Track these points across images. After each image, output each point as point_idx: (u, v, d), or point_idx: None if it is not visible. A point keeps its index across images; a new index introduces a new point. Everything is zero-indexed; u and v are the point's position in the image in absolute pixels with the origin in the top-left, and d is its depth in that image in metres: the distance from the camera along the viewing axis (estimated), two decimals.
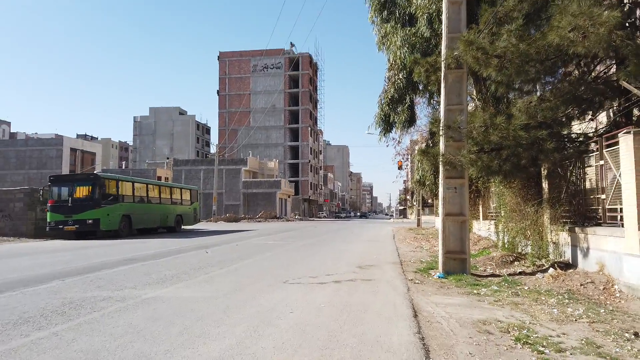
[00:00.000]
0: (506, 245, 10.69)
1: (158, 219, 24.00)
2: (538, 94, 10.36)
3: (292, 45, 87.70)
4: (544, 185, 10.12)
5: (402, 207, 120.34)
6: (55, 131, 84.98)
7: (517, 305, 6.01)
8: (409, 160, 29.83)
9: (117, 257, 10.67)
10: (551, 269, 7.97)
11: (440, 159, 8.69)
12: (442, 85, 9.11)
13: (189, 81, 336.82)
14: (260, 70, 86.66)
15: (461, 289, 7.18)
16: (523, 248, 10.39)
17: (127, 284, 6.61)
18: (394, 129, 14.57)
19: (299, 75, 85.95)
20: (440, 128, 8.73)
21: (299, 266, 9.24)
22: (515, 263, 9.76)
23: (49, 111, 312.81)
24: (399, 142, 27.20)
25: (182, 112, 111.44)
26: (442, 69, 9.11)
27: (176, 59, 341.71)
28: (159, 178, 65.35)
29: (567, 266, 8.60)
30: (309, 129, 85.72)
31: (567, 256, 8.92)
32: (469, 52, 8.22)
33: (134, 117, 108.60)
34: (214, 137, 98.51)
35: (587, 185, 8.77)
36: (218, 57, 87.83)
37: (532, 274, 8.61)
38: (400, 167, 32.88)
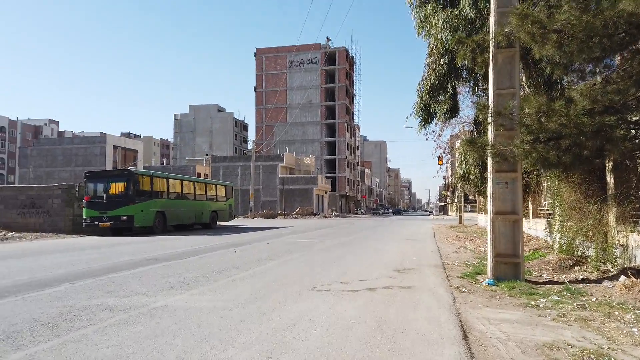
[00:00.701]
0: (563, 247, 9.51)
1: (193, 215, 23.83)
2: (599, 78, 9.10)
3: (328, 39, 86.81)
4: (609, 179, 8.89)
5: (442, 204, 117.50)
6: (101, 130, 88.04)
7: (586, 323, 5.00)
8: (450, 154, 28.31)
9: (142, 256, 10.24)
10: (622, 277, 6.83)
11: (489, 150, 7.67)
12: (491, 66, 8.08)
13: (227, 79, 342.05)
14: (297, 65, 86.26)
15: (516, 300, 6.20)
16: (584, 251, 9.19)
17: (139, 289, 6.04)
18: (435, 120, 13.49)
19: (335, 70, 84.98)
20: (489, 115, 7.71)
21: (330, 269, 8.46)
22: (576, 268, 8.61)
23: (95, 110, 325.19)
24: (439, 134, 25.62)
25: (220, 110, 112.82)
26: (491, 48, 8.07)
27: (214, 56, 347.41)
28: (199, 175, 66.12)
29: (639, 273, 7.42)
30: (346, 124, 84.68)
31: (639, 261, 7.71)
32: (522, 26, 7.16)
33: (174, 115, 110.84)
34: (252, 134, 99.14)
35: None
36: (255, 53, 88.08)
37: (598, 281, 7.47)
38: (440, 162, 31.44)
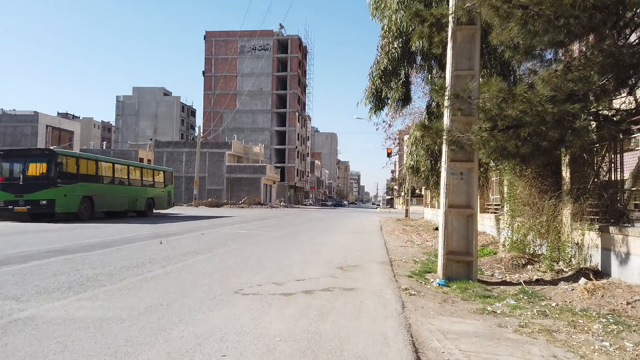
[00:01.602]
0: (515, 245, 9.00)
1: (126, 201, 21.97)
2: (561, 66, 8.57)
3: (281, 26, 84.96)
4: (564, 173, 8.41)
5: (388, 197, 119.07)
6: (35, 109, 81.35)
7: (552, 335, 4.30)
8: (399, 145, 27.82)
9: (45, 246, 8.75)
10: (583, 280, 6.27)
11: (445, 137, 6.91)
12: (450, 45, 7.29)
13: (175, 62, 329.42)
14: (248, 51, 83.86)
15: (470, 304, 5.45)
16: (536, 249, 8.72)
17: (13, 291, 4.74)
18: (386, 108, 12.73)
19: (288, 58, 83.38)
20: (446, 97, 6.93)
21: (265, 265, 7.43)
22: (528, 267, 8.08)
23: (31, 90, 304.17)
24: (389, 125, 24.89)
25: (166, 93, 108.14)
26: (450, 24, 7.29)
27: (162, 37, 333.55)
28: (141, 160, 62.74)
29: (596, 274, 6.93)
30: (297, 114, 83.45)
31: (596, 261, 7.24)
32: (486, 0, 6.44)
33: (117, 97, 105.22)
34: (200, 120, 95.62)
35: (626, 175, 7.07)
36: (204, 36, 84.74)
37: (553, 282, 6.92)
38: (389, 154, 30.97)
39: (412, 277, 7.13)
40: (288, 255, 8.83)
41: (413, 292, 5.82)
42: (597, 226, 7.15)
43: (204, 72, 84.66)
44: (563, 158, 8.38)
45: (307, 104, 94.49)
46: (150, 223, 17.55)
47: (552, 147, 7.05)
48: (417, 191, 45.51)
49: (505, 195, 9.83)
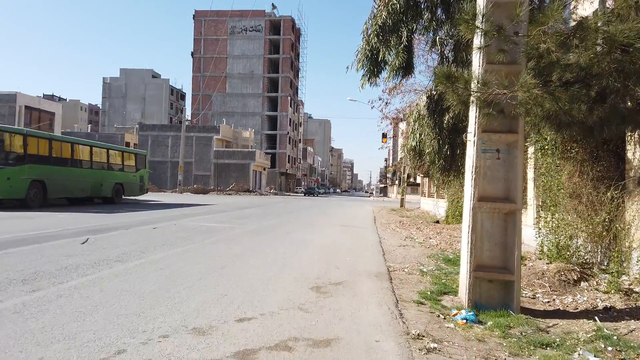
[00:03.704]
0: (555, 251, 6.68)
1: (88, 187, 19.39)
2: None
3: (273, 6, 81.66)
4: (630, 154, 6.07)
5: (382, 186, 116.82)
6: (19, 90, 77.57)
7: None
8: (396, 126, 25.05)
9: None
10: None
11: (475, 92, 4.51)
12: None
13: (164, 44, 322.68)
14: (239, 32, 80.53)
15: None
16: (586, 257, 6.41)
17: None
18: (384, 74, 10.26)
19: (280, 40, 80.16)
20: (479, 30, 4.52)
21: (201, 286, 5.04)
22: (582, 284, 5.77)
23: (13, 70, 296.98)
24: (387, 103, 21.69)
25: (155, 76, 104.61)
26: None
27: (150, 18, 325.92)
28: (127, 144, 59.98)
29: None
30: (289, 98, 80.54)
31: None
32: None
33: (104, 78, 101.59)
34: (189, 104, 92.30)
35: None
36: (194, 15, 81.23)
37: (634, 313, 4.62)
38: (385, 135, 28.17)
39: (422, 303, 4.78)
40: (247, 264, 6.44)
41: (431, 344, 3.46)
42: None
43: (192, 54, 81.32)
44: (630, 134, 6.02)
45: (300, 88, 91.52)
46: (108, 212, 15.10)
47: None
48: (412, 180, 43.14)
49: (541, 184, 7.46)
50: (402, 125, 25.71)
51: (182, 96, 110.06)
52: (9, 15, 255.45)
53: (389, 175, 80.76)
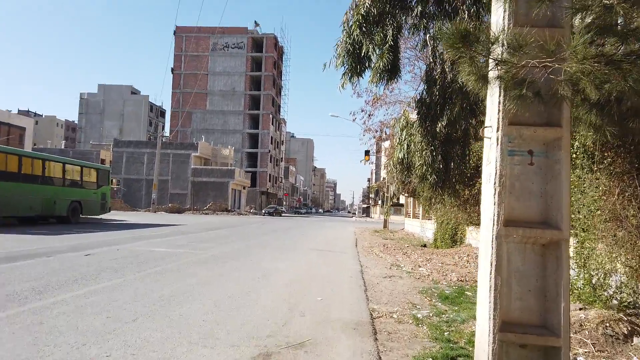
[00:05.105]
0: (592, 291, 5.12)
1: (37, 204, 17.35)
2: None
3: (256, 24, 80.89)
4: None
5: (365, 206, 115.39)
6: None
7: None
8: (380, 139, 23.46)
9: None
10: None
11: (500, 63, 2.99)
12: None
13: (146, 60, 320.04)
14: (221, 49, 79.32)
15: None
16: (632, 298, 4.87)
17: None
18: (368, 73, 8.74)
19: (263, 57, 79.11)
20: None
21: (93, 351, 3.34)
22: (635, 340, 4.22)
23: None
24: (369, 115, 19.98)
25: (134, 92, 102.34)
26: None
27: (130, 34, 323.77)
28: (102, 161, 57.69)
29: None
30: (271, 116, 79.16)
31: None
32: None
33: (81, 94, 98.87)
34: (169, 121, 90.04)
35: None
36: (174, 31, 79.85)
37: None
38: (367, 153, 26.59)
39: None
40: (172, 315, 4.71)
41: None
42: None
43: (172, 70, 79.67)
44: None
45: (282, 107, 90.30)
46: (52, 234, 13.16)
47: None
48: (395, 200, 41.70)
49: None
50: (386, 144, 24.30)
51: (162, 113, 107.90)
52: None
53: (371, 195, 79.42)
